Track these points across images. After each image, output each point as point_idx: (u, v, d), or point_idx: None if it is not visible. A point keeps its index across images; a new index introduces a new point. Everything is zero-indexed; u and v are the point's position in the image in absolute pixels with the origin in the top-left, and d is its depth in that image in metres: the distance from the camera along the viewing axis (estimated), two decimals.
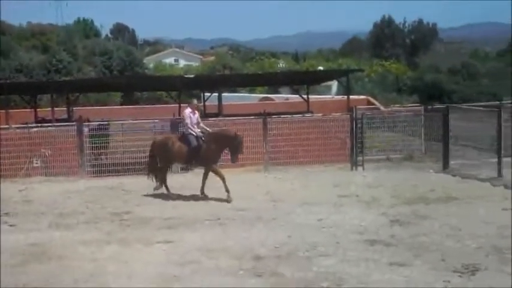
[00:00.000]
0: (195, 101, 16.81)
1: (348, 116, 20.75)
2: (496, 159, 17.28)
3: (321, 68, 54.08)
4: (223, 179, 15.30)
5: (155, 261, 10.28)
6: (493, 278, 9.03)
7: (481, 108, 20.91)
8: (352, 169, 19.87)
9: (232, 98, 35.47)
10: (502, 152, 17.16)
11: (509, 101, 23.90)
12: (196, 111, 16.11)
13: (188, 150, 15.71)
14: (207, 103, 28.82)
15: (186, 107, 16.43)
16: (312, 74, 33.69)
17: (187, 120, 15.85)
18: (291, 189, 16.63)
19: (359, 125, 20.36)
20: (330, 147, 20.53)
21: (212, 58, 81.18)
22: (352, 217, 13.00)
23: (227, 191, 15.14)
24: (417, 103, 33.38)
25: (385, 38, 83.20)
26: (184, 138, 15.94)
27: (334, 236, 11.52)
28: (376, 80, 57.87)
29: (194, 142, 15.67)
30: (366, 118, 20.99)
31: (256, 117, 20.81)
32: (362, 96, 37.27)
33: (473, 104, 25.34)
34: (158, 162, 16.38)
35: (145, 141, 18.88)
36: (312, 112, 24.61)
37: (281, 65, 73.23)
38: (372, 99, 35.85)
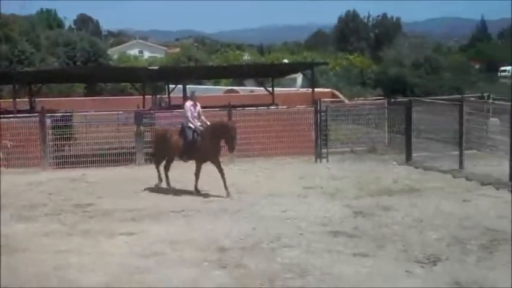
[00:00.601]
0: (195, 94, 16.35)
1: (313, 108, 20.84)
2: (457, 152, 17.50)
3: (285, 60, 54.22)
4: (222, 175, 14.92)
5: (118, 253, 10.20)
6: (454, 268, 9.15)
7: (443, 101, 21.15)
8: (316, 161, 19.97)
9: (197, 90, 35.35)
10: (464, 144, 17.37)
11: (471, 95, 24.21)
12: (197, 104, 15.63)
13: (183, 144, 15.36)
14: (171, 95, 28.67)
15: (187, 100, 16.11)
16: (277, 67, 33.80)
17: (188, 113, 15.39)
18: (255, 181, 16.66)
19: (323, 118, 20.46)
20: (295, 140, 20.60)
21: (177, 50, 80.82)
22: (316, 209, 13.06)
23: (226, 187, 14.75)
24: (381, 96, 33.66)
25: (350, 32, 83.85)
26: (182, 131, 15.54)
27: (298, 228, 11.56)
28: (341, 73, 58.30)
29: (190, 136, 15.30)
30: (331, 111, 21.12)
31: (221, 109, 20.76)
32: (327, 89, 37.50)
33: (435, 97, 25.65)
34: (156, 154, 16.27)
35: (109, 132, 18.74)
36: (277, 105, 24.67)
37: (246, 57, 73.31)
38: (336, 92, 36.09)
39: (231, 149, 15.08)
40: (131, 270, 9.26)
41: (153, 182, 16.01)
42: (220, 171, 15.02)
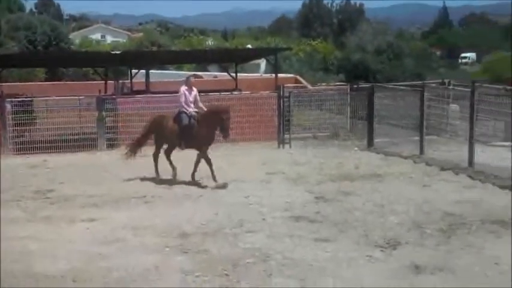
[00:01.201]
0: (191, 78, 15.64)
1: (276, 94, 20.88)
2: (418, 138, 17.72)
3: (249, 46, 54.19)
4: (210, 165, 14.35)
5: (80, 239, 10.15)
6: (414, 252, 9.31)
7: (405, 87, 21.36)
8: (279, 147, 20.05)
9: (160, 75, 35.14)
10: (424, 130, 17.59)
11: (432, 81, 24.49)
12: (193, 89, 14.95)
13: (179, 130, 14.68)
14: (134, 80, 28.46)
15: (182, 84, 15.27)
16: (241, 52, 33.77)
17: (182, 98, 14.68)
18: (218, 167, 16.53)
19: (286, 103, 20.52)
20: (258, 125, 20.63)
21: (140, 35, 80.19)
22: (278, 194, 13.13)
23: (214, 178, 14.20)
24: (343, 82, 33.86)
25: (313, 17, 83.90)
26: (177, 117, 14.85)
27: (260, 213, 11.62)
28: (304, 59, 58.40)
29: (185, 121, 14.58)
30: (294, 96, 21.17)
31: None
32: (290, 75, 37.53)
33: (397, 83, 25.88)
34: (155, 141, 15.40)
35: (70, 118, 18.53)
36: (240, 90, 24.66)
37: (210, 42, 72.96)
38: (299, 78, 36.14)
39: (225, 136, 14.50)
40: (93, 257, 9.22)
41: (115, 167, 15.90)
42: (207, 159, 14.49)
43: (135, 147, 15.46)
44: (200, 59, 36.01)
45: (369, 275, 8.41)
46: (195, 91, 14.97)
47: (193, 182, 14.47)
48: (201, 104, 14.93)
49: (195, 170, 14.64)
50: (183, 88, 14.89)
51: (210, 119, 14.45)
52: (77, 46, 61.64)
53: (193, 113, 14.65)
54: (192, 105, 14.75)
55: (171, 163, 14.92)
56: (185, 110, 14.67)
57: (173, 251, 9.48)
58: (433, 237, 10.00)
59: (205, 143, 14.60)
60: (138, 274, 8.54)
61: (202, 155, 14.54)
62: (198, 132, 14.52)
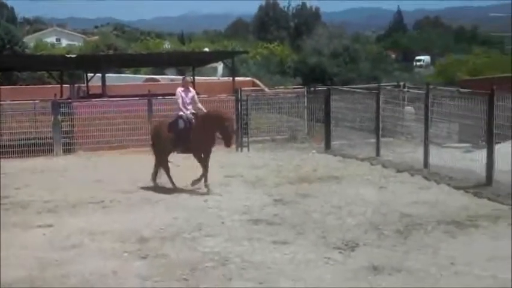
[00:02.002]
0: (188, 78, 15.02)
1: (233, 97, 20.90)
2: (374, 140, 17.91)
3: (206, 49, 54.07)
4: (205, 171, 13.73)
5: (35, 245, 10.00)
6: (372, 253, 9.41)
7: (361, 90, 21.57)
8: (237, 150, 20.03)
9: (117, 79, 34.82)
10: (380, 132, 17.79)
11: (388, 84, 24.78)
12: (190, 89, 14.34)
13: (174, 134, 13.95)
14: (90, 84, 28.16)
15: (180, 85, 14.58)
16: (198, 55, 33.69)
17: (179, 100, 13.96)
18: (176, 170, 16.53)
19: (244, 107, 20.55)
20: None
21: (96, 38, 79.31)
22: (237, 197, 13.14)
23: (206, 185, 13.65)
24: (300, 85, 34.01)
25: (270, 21, 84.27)
26: (174, 121, 14.14)
27: (219, 217, 11.61)
28: (261, 62, 58.51)
29: (181, 125, 13.88)
30: (251, 100, 21.22)
31: (140, 98, 20.53)
32: (247, 78, 37.52)
33: (354, 86, 26.11)
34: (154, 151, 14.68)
35: (25, 122, 18.23)
36: (197, 93, 24.54)
37: (167, 45, 72.58)
38: (256, 81, 36.15)
39: (227, 143, 13.75)
40: (50, 263, 9.10)
41: (72, 172, 15.72)
42: (204, 167, 13.80)
43: (156, 164, 14.59)
44: (157, 62, 35.79)
45: (327, 277, 8.47)
46: (192, 92, 14.36)
47: (209, 191, 13.61)
48: (200, 105, 14.31)
49: (205, 180, 13.82)
50: (180, 89, 14.22)
51: (209, 122, 13.68)
52: (32, 49, 60.66)
53: (190, 116, 13.95)
54: (189, 107, 14.10)
55: (167, 173, 14.32)
56: (182, 113, 13.99)
57: (131, 256, 9.41)
58: (390, 238, 10.13)
59: (203, 148, 13.86)
60: (95, 280, 8.46)
61: (200, 160, 13.87)
62: (195, 136, 13.78)
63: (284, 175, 15.50)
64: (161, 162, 14.41)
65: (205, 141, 13.74)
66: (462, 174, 14.26)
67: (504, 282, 8.09)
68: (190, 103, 14.17)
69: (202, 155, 13.92)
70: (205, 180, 13.77)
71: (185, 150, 14.14)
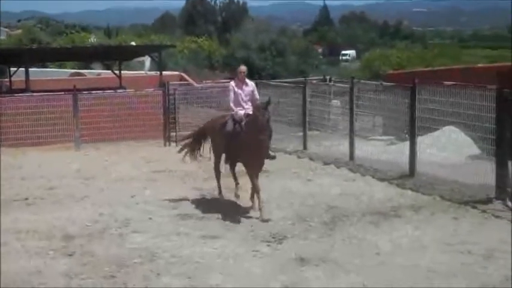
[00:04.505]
0: (243, 68, 11.93)
1: (161, 91, 20.75)
2: (301, 133, 18.11)
3: (133, 43, 53.47)
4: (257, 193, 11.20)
5: None
6: (299, 245, 9.55)
7: (288, 84, 21.73)
8: (165, 145, 19.92)
9: (41, 74, 34.03)
10: (307, 125, 17.99)
11: (314, 78, 25.06)
12: (248, 82, 11.70)
13: (225, 139, 11.51)
14: (13, 78, 27.47)
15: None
16: (124, 49, 33.27)
17: (230, 97, 11.51)
18: (103, 166, 16.32)
19: (172, 101, 20.43)
20: (143, 123, 20.38)
21: (19, 31, 77.31)
22: (165, 192, 13.05)
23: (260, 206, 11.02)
24: (229, 79, 34.02)
25: (197, 15, 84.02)
26: (225, 122, 11.62)
27: (147, 212, 11.53)
28: (189, 56, 58.38)
29: (229, 127, 11.36)
30: (179, 94, 21.09)
31: (66, 93, 20.14)
32: (175, 72, 37.30)
33: (281, 80, 26.30)
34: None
35: None
36: (124, 88, 24.30)
37: (93, 39, 71.37)
38: (184, 75, 35.99)
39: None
40: None
41: None
42: (254, 184, 11.24)
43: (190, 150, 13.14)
44: (82, 56, 35.07)
45: (256, 270, 8.54)
46: (250, 86, 11.73)
47: (254, 207, 11.42)
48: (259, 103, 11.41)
49: (259, 200, 11.17)
50: (232, 84, 11.69)
51: (254, 124, 10.87)
52: None
53: (241, 116, 11.35)
54: (245, 105, 11.58)
55: (235, 179, 12.14)
56: (233, 113, 11.52)
57: (57, 254, 9.26)
58: (317, 230, 10.29)
59: (253, 157, 11.17)
60: (21, 280, 8.30)
61: (251, 176, 11.34)
62: (244, 142, 11.12)
63: (212, 170, 15.43)
64: (216, 165, 12.42)
65: (255, 149, 11.05)
66: (386, 166, 14.56)
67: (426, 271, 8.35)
68: (249, 100, 11.61)
69: (254, 168, 11.36)
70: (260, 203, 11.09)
71: (235, 158, 11.73)
